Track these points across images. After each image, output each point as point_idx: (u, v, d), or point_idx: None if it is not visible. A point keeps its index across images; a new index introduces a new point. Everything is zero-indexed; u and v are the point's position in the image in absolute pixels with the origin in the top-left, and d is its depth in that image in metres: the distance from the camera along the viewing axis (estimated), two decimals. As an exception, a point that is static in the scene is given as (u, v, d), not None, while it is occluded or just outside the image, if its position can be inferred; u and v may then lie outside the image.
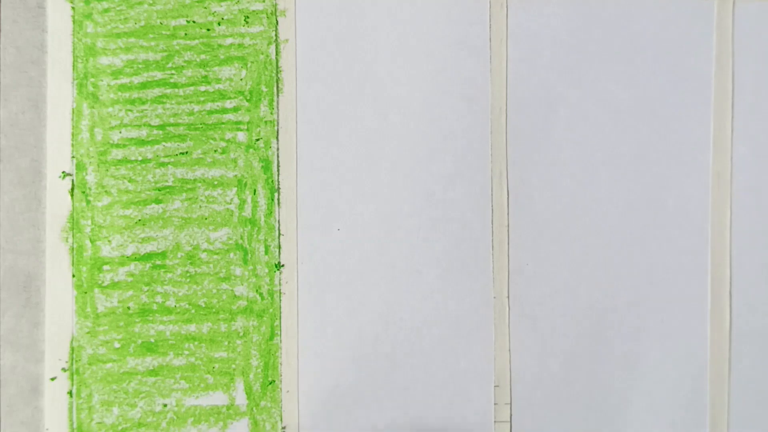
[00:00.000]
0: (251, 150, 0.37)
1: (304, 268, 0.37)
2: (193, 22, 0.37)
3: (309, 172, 0.37)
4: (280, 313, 0.37)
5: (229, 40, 0.37)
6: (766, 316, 0.37)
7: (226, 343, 0.37)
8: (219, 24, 0.37)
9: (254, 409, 0.37)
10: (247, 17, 0.37)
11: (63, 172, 0.37)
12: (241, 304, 0.37)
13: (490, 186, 0.37)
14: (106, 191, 0.37)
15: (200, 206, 0.37)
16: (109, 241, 0.37)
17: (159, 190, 0.37)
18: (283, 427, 0.37)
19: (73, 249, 0.37)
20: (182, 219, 0.37)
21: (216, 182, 0.37)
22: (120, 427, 0.37)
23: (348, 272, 0.37)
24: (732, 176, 0.37)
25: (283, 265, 0.37)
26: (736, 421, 0.37)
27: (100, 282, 0.37)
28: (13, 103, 0.37)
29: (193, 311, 0.37)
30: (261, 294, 0.37)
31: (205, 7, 0.37)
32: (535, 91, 0.37)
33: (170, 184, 0.37)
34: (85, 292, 0.37)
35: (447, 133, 0.37)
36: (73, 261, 0.37)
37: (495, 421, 0.37)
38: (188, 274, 0.37)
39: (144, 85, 0.37)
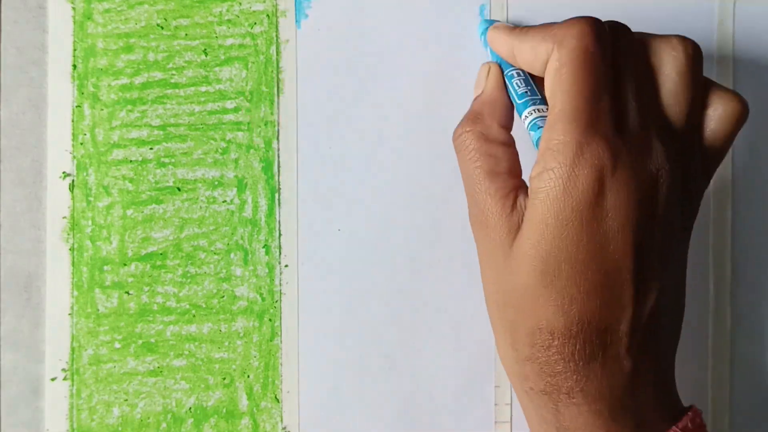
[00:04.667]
0: (251, 150, 0.37)
1: (304, 268, 0.37)
2: (194, 22, 0.37)
3: (309, 172, 0.37)
4: (281, 313, 0.37)
5: (229, 41, 0.37)
6: (766, 315, 0.37)
7: (227, 343, 0.37)
8: (220, 24, 0.37)
9: (254, 409, 0.37)
10: (248, 18, 0.37)
11: (63, 173, 0.37)
12: (242, 304, 0.37)
13: (491, 186, 0.37)
14: (106, 191, 0.37)
15: (200, 206, 0.37)
16: (109, 241, 0.37)
17: (159, 191, 0.37)
18: (284, 428, 0.37)
19: (73, 249, 0.37)
20: (182, 219, 0.37)
21: (216, 182, 0.37)
22: (120, 428, 0.37)
23: (348, 272, 0.37)
24: (732, 176, 0.37)
25: (287, 266, 0.37)
26: (737, 421, 0.37)
27: (100, 282, 0.37)
28: (13, 104, 0.37)
29: (193, 312, 0.37)
30: (261, 294, 0.37)
31: (206, 8, 0.37)
32: (536, 91, 0.37)
33: (170, 184, 0.37)
34: (86, 293, 0.37)
35: (448, 133, 0.37)
36: (73, 261, 0.37)
37: (495, 422, 0.37)
38: (188, 275, 0.37)
39: (145, 86, 0.37)
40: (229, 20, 0.37)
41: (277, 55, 0.37)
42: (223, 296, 0.37)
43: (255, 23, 0.37)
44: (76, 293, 0.37)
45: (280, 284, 0.37)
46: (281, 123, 0.37)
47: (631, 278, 0.28)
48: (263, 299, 0.37)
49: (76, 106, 0.37)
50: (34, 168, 0.37)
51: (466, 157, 0.31)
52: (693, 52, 0.31)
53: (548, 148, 0.28)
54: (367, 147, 0.37)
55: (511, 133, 0.33)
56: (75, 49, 0.37)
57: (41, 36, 0.37)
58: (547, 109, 0.31)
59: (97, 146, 0.37)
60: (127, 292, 0.37)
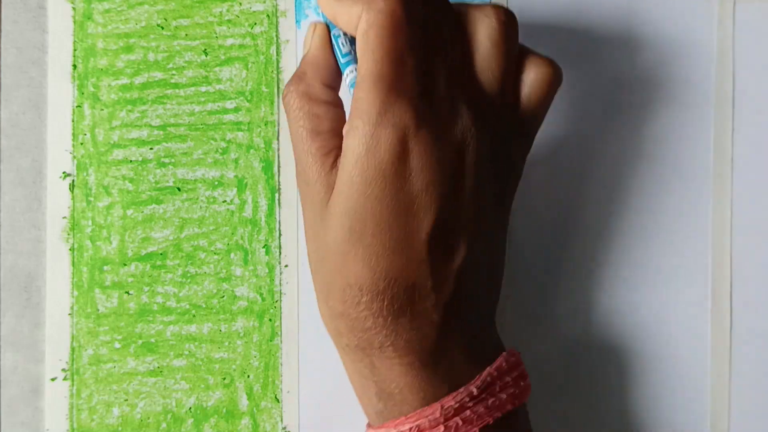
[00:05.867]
0: (252, 150, 0.37)
1: (304, 268, 0.37)
2: (194, 22, 0.37)
3: (309, 172, 0.37)
4: (281, 313, 0.37)
5: (229, 41, 0.37)
6: (766, 315, 0.37)
7: (227, 343, 0.37)
8: (220, 24, 0.37)
9: (255, 409, 0.37)
10: (248, 18, 0.37)
11: (63, 173, 0.37)
12: (242, 304, 0.37)
13: (491, 186, 0.37)
14: (106, 191, 0.37)
15: (200, 206, 0.37)
16: (109, 241, 0.37)
17: (159, 191, 0.37)
18: (284, 427, 0.37)
19: (73, 249, 0.37)
20: (182, 219, 0.37)
21: (216, 182, 0.37)
22: (120, 428, 0.37)
23: (348, 272, 0.37)
24: (732, 176, 0.37)
25: (287, 266, 0.37)
26: (737, 422, 0.37)
27: (100, 282, 0.37)
28: (13, 104, 0.37)
29: (193, 312, 0.37)
30: (261, 294, 0.37)
31: (206, 8, 0.37)
32: (536, 91, 0.37)
33: (170, 184, 0.37)
34: (86, 293, 0.37)
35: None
36: (73, 261, 0.37)
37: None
38: (188, 275, 0.37)
39: (145, 86, 0.37)
40: (229, 20, 0.37)
41: (277, 55, 0.37)
42: (223, 296, 0.37)
43: (255, 23, 0.37)
44: (76, 293, 0.37)
45: (280, 284, 0.37)
46: (281, 123, 0.37)
47: (435, 237, 0.29)
48: (263, 299, 0.37)
49: (76, 106, 0.37)
50: (34, 168, 0.37)
51: (290, 116, 0.32)
52: (506, 19, 0.31)
53: (355, 108, 0.29)
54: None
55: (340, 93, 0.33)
56: (75, 49, 0.37)
57: (41, 36, 0.37)
58: None
59: (97, 146, 0.37)
60: (127, 292, 0.37)
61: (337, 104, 0.32)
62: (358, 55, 0.30)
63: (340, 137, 0.32)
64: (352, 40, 0.32)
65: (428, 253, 0.29)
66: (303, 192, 0.32)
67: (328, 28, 0.33)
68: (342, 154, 0.30)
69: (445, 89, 0.30)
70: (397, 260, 0.29)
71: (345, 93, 0.32)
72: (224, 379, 0.37)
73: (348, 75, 0.32)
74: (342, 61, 0.32)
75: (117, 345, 0.37)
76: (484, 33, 0.31)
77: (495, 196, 0.31)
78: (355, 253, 0.29)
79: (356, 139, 0.29)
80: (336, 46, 0.33)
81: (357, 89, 0.29)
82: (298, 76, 0.32)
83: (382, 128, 0.29)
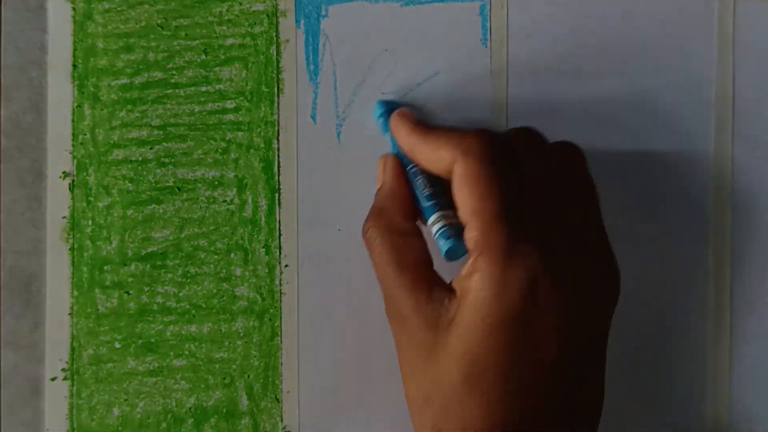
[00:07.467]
0: (252, 150, 0.37)
1: (304, 268, 0.37)
2: (194, 22, 0.37)
3: (309, 172, 0.37)
4: (281, 313, 0.37)
5: (229, 41, 0.37)
6: (766, 315, 0.37)
7: (227, 343, 0.37)
8: (220, 24, 0.37)
9: (255, 409, 0.37)
10: (248, 18, 0.37)
11: (64, 173, 0.37)
12: (242, 304, 0.37)
13: (491, 186, 0.37)
14: (106, 191, 0.37)
15: (200, 206, 0.37)
16: (109, 241, 0.37)
17: (159, 191, 0.37)
18: (284, 427, 0.37)
19: (73, 249, 0.37)
20: (182, 219, 0.37)
21: (216, 182, 0.37)
22: (120, 428, 0.37)
23: (348, 272, 0.37)
24: (732, 176, 0.37)
25: (287, 266, 0.37)
26: (737, 422, 0.37)
27: (100, 282, 0.37)
28: (13, 104, 0.37)
29: (193, 312, 0.37)
30: (261, 294, 0.37)
31: (206, 8, 0.37)
32: (535, 91, 0.37)
33: (170, 184, 0.37)
34: (86, 293, 0.37)
35: (447, 134, 0.37)
36: (73, 261, 0.37)
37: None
38: (188, 275, 0.37)
39: (145, 86, 0.37)
40: (229, 20, 0.37)
41: (277, 55, 0.37)
42: (223, 296, 0.37)
43: (255, 23, 0.37)
44: (76, 293, 0.37)
45: (280, 284, 0.37)
46: (281, 123, 0.37)
47: (556, 381, 0.28)
48: (263, 299, 0.37)
49: (76, 106, 0.37)
50: (34, 168, 0.37)
51: (375, 251, 0.31)
52: (580, 152, 0.32)
53: (475, 248, 0.28)
54: (367, 147, 0.37)
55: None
56: (75, 49, 0.37)
57: (41, 36, 0.37)
58: (453, 214, 0.31)
59: (97, 146, 0.37)
60: (127, 292, 0.37)
61: (419, 234, 0.32)
62: (460, 197, 0.29)
63: (428, 267, 0.31)
64: (432, 181, 0.32)
65: (548, 398, 0.28)
66: (398, 328, 0.30)
67: (399, 159, 0.33)
68: (461, 295, 0.28)
69: (559, 224, 0.29)
70: (517, 406, 0.27)
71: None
72: (224, 379, 0.37)
73: (433, 224, 0.31)
74: (424, 204, 0.32)
75: (117, 345, 0.37)
76: (583, 169, 0.32)
77: (600, 335, 0.31)
78: (472, 398, 0.27)
79: (482, 281, 0.27)
80: (415, 186, 0.33)
81: (470, 230, 0.28)
82: (378, 211, 0.32)
83: (512, 270, 0.27)
